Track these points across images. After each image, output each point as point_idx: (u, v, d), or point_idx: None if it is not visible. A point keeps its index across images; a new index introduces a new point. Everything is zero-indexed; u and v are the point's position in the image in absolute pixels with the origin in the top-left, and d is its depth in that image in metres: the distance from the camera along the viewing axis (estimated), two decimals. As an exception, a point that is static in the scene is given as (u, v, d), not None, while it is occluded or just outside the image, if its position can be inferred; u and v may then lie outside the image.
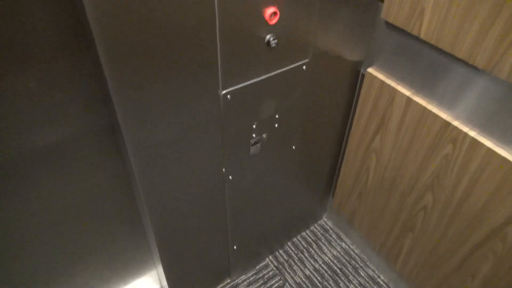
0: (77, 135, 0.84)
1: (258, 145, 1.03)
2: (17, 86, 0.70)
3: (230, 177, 1.04)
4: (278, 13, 0.79)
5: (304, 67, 0.95)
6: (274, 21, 0.80)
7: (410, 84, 1.01)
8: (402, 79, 1.03)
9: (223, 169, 1.01)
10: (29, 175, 0.83)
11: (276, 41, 0.82)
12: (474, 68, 0.85)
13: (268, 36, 0.82)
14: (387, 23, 0.99)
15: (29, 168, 0.82)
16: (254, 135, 0.99)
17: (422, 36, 0.90)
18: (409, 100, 1.00)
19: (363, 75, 1.12)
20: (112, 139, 0.90)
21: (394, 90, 1.03)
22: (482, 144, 0.89)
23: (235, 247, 1.27)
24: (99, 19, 0.61)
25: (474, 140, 0.90)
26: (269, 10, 0.78)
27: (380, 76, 1.06)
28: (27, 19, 0.65)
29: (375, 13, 1.01)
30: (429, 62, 0.94)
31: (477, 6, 0.78)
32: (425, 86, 0.98)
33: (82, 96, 0.79)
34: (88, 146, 0.87)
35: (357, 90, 1.17)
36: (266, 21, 0.79)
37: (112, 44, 0.64)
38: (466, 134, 0.91)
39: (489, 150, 0.88)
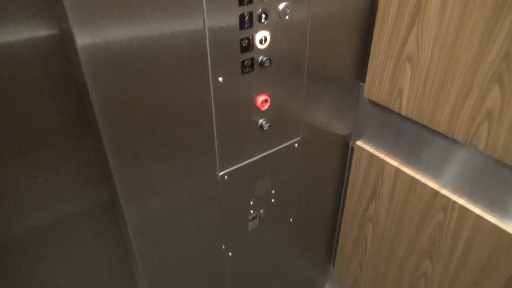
0: (77, 214, 0.86)
1: (256, 220, 1.05)
2: (22, 167, 0.74)
3: (229, 253, 1.06)
4: (269, 100, 0.87)
5: (296, 144, 1.01)
6: (265, 107, 0.87)
7: (397, 155, 1.07)
8: (389, 151, 1.09)
9: (223, 246, 1.03)
10: (29, 255, 0.84)
11: (268, 124, 0.89)
12: (454, 140, 0.91)
13: (260, 121, 0.88)
14: (370, 100, 1.07)
15: (29, 248, 0.83)
16: (251, 211, 1.03)
17: (403, 112, 0.98)
18: (397, 170, 1.05)
19: (352, 148, 1.18)
20: (112, 217, 0.92)
21: (383, 162, 1.08)
22: (471, 212, 0.92)
23: (237, 325, 1.24)
24: (105, 111, 0.66)
25: (463, 208, 0.93)
26: (261, 98, 0.85)
27: (369, 148, 1.12)
28: (39, 110, 0.70)
29: (358, 92, 1.10)
30: (412, 135, 1.01)
31: (449, 85, 0.86)
32: (411, 157, 1.03)
33: (83, 175, 0.83)
34: (88, 224, 0.90)
35: (348, 161, 1.23)
36: (258, 108, 0.86)
37: (115, 132, 0.69)
38: (454, 202, 0.95)
39: (478, 217, 0.91)
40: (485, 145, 0.84)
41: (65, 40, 0.65)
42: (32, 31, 0.64)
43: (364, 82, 1.05)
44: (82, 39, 0.59)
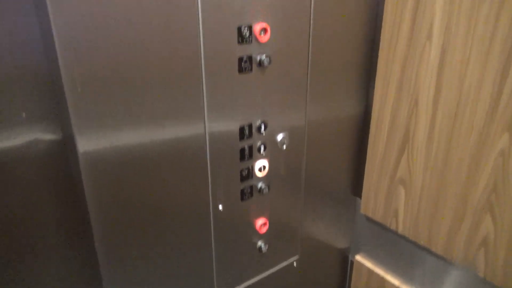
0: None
1: None
2: (13, 269, 0.71)
3: None
4: (267, 223, 0.88)
5: (294, 263, 1.00)
6: (264, 230, 0.88)
7: (397, 273, 1.05)
8: (389, 267, 1.07)
9: None
10: None
11: (267, 247, 0.89)
12: (453, 263, 0.91)
13: (259, 243, 0.89)
14: (367, 216, 1.09)
15: None
16: (249, 335, 0.98)
17: (400, 231, 0.99)
18: (398, 290, 1.03)
19: (352, 262, 1.16)
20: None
21: (383, 280, 1.06)
22: None
23: None
24: (101, 217, 0.66)
25: (469, 335, 0.90)
26: (259, 222, 0.87)
27: (368, 264, 1.11)
28: (34, 214, 0.69)
29: (355, 207, 1.12)
30: (411, 254, 1.00)
31: (442, 211, 0.88)
32: (411, 276, 1.02)
33: (75, 278, 0.80)
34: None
35: (347, 275, 1.20)
36: (256, 231, 0.87)
37: (110, 238, 0.69)
38: (460, 328, 0.91)
39: None
40: (485, 271, 0.84)
41: (66, 145, 0.65)
42: (33, 136, 0.63)
43: (360, 198, 1.08)
44: (84, 145, 0.60)
